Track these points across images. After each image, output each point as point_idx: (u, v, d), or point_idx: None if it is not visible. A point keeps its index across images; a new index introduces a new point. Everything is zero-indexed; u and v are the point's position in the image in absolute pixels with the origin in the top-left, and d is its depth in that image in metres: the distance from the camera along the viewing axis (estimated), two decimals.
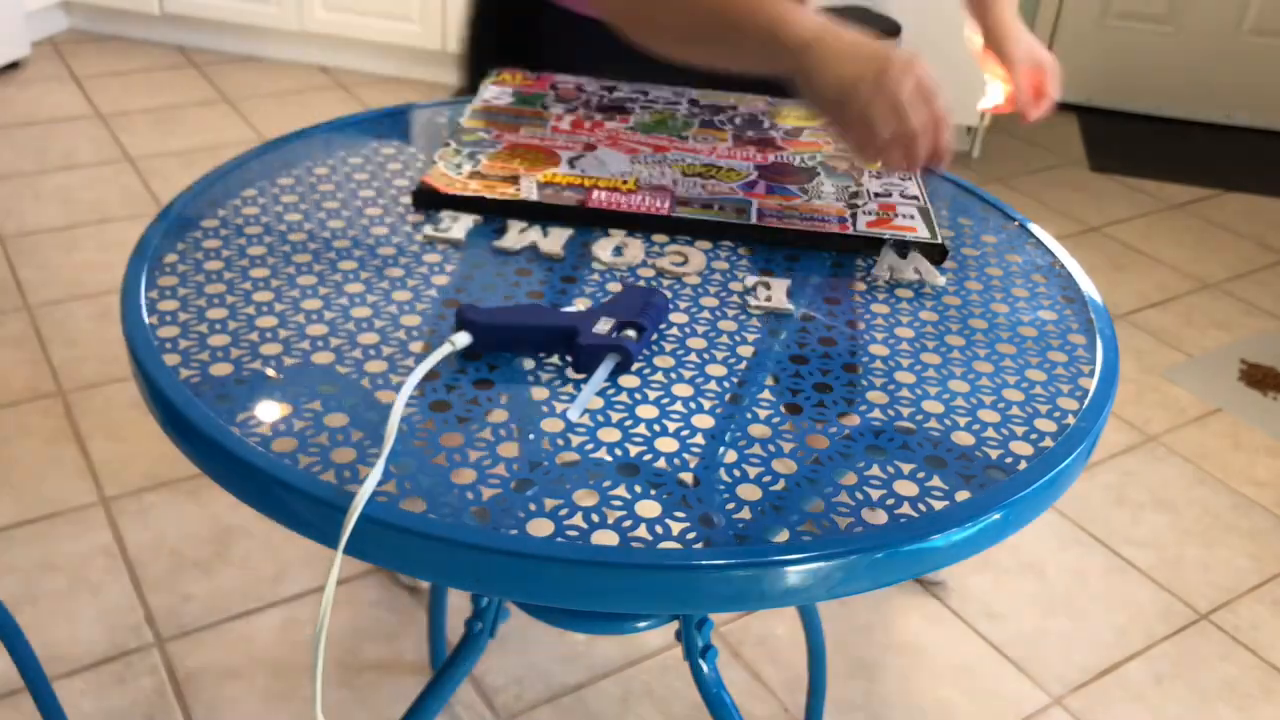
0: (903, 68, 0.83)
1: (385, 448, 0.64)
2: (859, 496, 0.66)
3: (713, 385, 0.75)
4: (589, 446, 0.68)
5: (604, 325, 0.75)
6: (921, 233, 0.92)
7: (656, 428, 0.70)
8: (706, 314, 0.83)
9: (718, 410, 0.72)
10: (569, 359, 0.75)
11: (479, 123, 1.05)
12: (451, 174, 0.95)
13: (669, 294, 0.84)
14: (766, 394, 0.74)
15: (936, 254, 0.91)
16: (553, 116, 1.07)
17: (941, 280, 0.89)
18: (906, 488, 0.67)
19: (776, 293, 0.85)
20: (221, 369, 0.72)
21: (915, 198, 0.98)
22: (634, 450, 0.68)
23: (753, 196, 0.96)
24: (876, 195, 0.98)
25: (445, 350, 0.73)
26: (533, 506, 0.63)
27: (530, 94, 1.12)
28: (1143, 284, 2.62)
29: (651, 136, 1.05)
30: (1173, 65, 3.41)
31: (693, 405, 0.72)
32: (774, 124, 1.10)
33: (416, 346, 0.75)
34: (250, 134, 2.93)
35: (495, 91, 1.12)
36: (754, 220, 0.92)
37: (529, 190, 0.93)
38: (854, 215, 0.94)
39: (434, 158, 0.98)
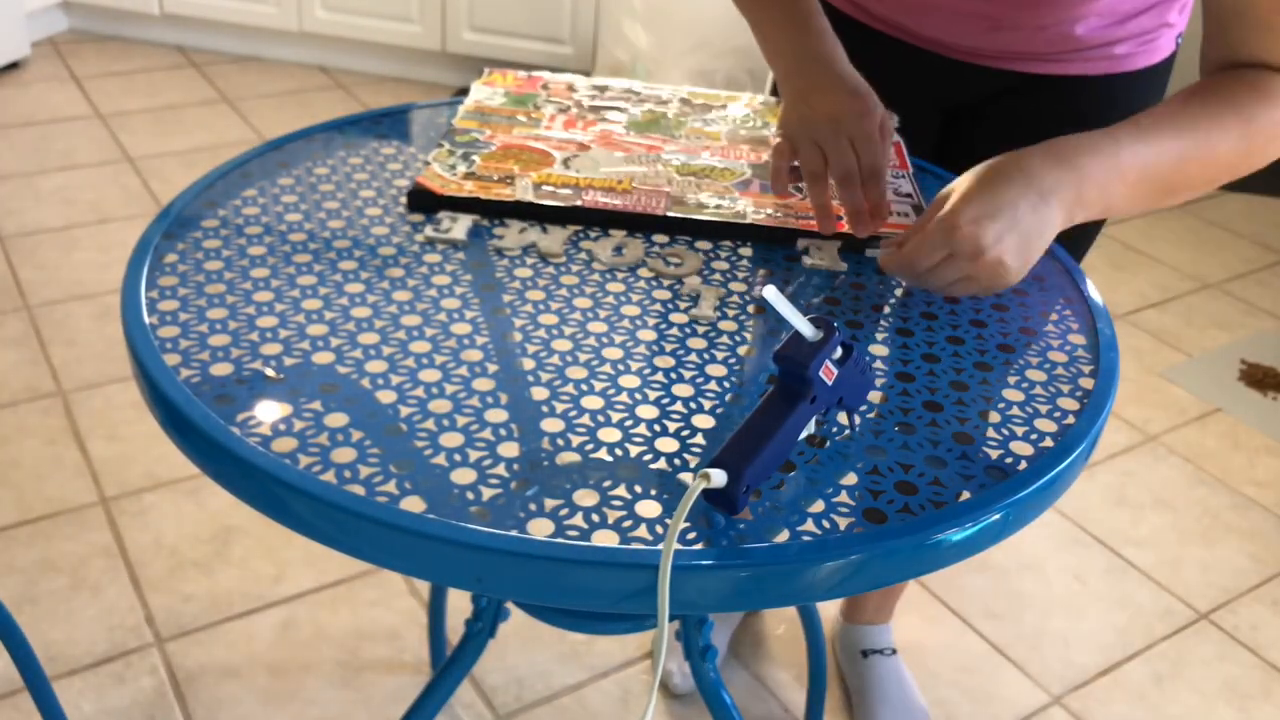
0: (836, 125, 0.90)
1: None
2: (859, 496, 0.66)
3: (713, 385, 0.75)
4: (589, 446, 0.68)
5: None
6: None
7: (657, 428, 0.70)
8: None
9: (718, 410, 0.72)
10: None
11: (472, 123, 1.05)
12: (446, 175, 0.95)
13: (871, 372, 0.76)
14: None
15: None
16: (545, 116, 1.07)
17: None
18: (906, 488, 0.67)
19: (829, 252, 0.91)
20: (221, 369, 0.72)
21: (909, 195, 0.98)
22: (634, 450, 0.68)
23: (748, 196, 0.96)
24: None
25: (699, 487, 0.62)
26: (533, 506, 0.63)
27: (522, 94, 1.12)
28: (1142, 284, 2.62)
29: (645, 136, 1.04)
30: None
31: (693, 405, 0.72)
32: (766, 123, 1.10)
33: (417, 347, 0.76)
34: (250, 134, 2.93)
35: (486, 92, 1.12)
36: (749, 220, 0.92)
37: (524, 191, 0.93)
38: None
39: (428, 158, 0.98)
